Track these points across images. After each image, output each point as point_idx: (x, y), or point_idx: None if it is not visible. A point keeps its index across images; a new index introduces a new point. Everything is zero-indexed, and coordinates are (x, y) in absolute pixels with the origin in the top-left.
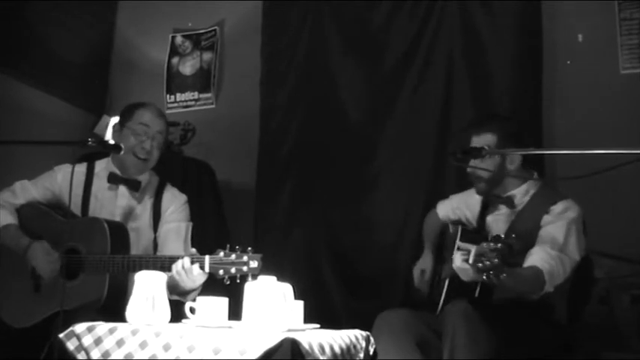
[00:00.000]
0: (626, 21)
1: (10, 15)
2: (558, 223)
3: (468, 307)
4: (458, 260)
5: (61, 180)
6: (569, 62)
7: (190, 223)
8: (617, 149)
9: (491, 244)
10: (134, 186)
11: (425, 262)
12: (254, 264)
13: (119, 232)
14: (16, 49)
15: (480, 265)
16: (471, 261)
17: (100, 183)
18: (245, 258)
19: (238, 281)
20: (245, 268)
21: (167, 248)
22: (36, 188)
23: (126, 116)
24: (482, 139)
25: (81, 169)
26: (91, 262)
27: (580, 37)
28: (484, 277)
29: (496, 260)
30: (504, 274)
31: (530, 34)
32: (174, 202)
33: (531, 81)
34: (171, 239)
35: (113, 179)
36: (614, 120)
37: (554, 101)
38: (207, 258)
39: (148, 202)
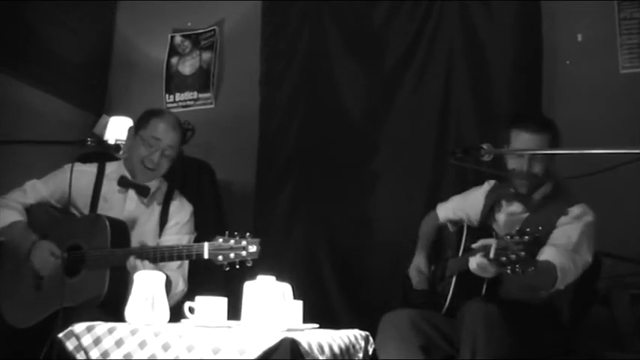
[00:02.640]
0: (625, 20)
1: (10, 15)
2: (574, 224)
3: (487, 308)
4: (477, 258)
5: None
6: (568, 62)
7: (194, 235)
8: (617, 149)
9: (517, 237)
10: (143, 192)
11: (419, 262)
12: (253, 248)
13: (119, 228)
14: (16, 49)
15: (504, 259)
16: (491, 255)
17: (110, 185)
18: (244, 243)
19: (237, 267)
20: (244, 253)
21: None
22: (46, 187)
23: (141, 123)
24: (539, 139)
25: (92, 169)
26: (93, 257)
27: (579, 37)
28: (508, 271)
29: (523, 253)
30: (532, 267)
31: (529, 34)
32: (180, 214)
33: (531, 81)
34: None
35: (124, 183)
36: (614, 120)
37: (554, 101)
38: (205, 244)
39: (156, 209)
